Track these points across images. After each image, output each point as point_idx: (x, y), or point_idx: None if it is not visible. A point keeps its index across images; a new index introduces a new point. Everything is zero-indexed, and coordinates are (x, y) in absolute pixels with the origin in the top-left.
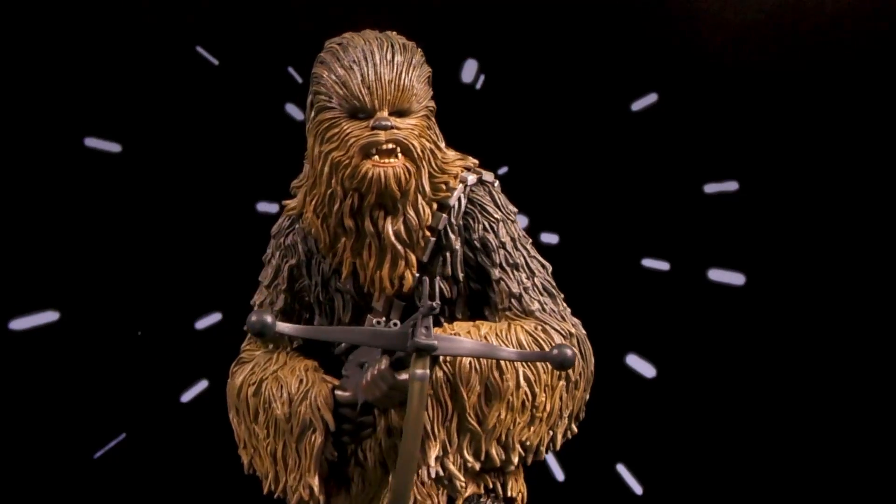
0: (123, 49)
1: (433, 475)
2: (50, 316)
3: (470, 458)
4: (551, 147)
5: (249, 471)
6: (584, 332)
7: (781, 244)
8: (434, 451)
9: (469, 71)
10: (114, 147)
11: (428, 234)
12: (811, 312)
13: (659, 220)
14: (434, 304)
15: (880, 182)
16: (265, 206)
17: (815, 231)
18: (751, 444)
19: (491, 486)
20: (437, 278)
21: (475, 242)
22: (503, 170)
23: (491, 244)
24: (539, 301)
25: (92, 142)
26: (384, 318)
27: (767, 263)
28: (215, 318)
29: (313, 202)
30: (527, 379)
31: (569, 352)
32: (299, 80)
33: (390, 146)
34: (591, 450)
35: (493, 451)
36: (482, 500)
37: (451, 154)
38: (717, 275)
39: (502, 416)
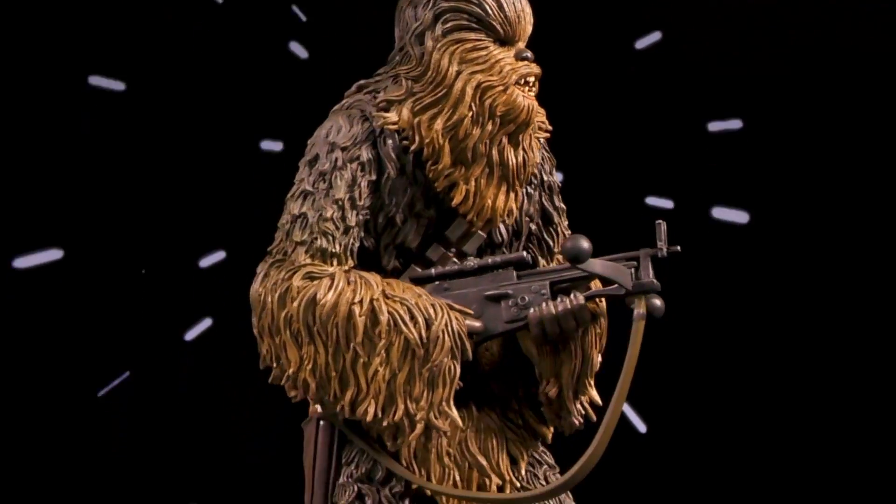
0: None
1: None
2: (54, 254)
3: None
4: (554, 85)
5: (316, 397)
6: None
7: (785, 182)
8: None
9: None
10: (118, 86)
11: (536, 171)
12: (815, 250)
13: (663, 158)
14: (676, 248)
15: (886, 121)
16: (269, 145)
17: (819, 169)
18: (753, 382)
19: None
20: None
21: (545, 185)
22: None
23: (554, 187)
24: None
25: (96, 80)
26: (453, 249)
27: (771, 202)
28: (219, 256)
29: (441, 121)
30: None
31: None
32: (303, 18)
33: (532, 79)
34: (597, 388)
35: None
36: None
37: None
38: (720, 213)
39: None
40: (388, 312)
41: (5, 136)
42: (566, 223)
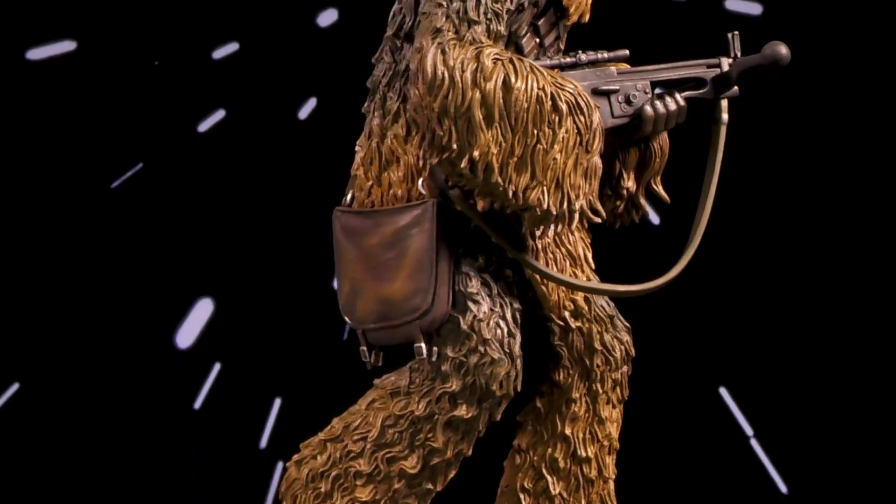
0: None
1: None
2: (67, 45)
3: None
4: None
5: (489, 182)
6: None
7: None
8: None
9: None
10: None
11: None
12: (827, 42)
13: None
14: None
15: None
16: None
17: None
18: (768, 181)
19: None
20: None
21: None
22: None
23: None
24: None
25: None
26: (537, 39)
27: None
28: (232, 48)
29: None
30: None
31: None
32: None
33: None
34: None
35: None
36: None
37: None
38: (734, 5)
39: None
40: (565, 101)
41: None
42: None
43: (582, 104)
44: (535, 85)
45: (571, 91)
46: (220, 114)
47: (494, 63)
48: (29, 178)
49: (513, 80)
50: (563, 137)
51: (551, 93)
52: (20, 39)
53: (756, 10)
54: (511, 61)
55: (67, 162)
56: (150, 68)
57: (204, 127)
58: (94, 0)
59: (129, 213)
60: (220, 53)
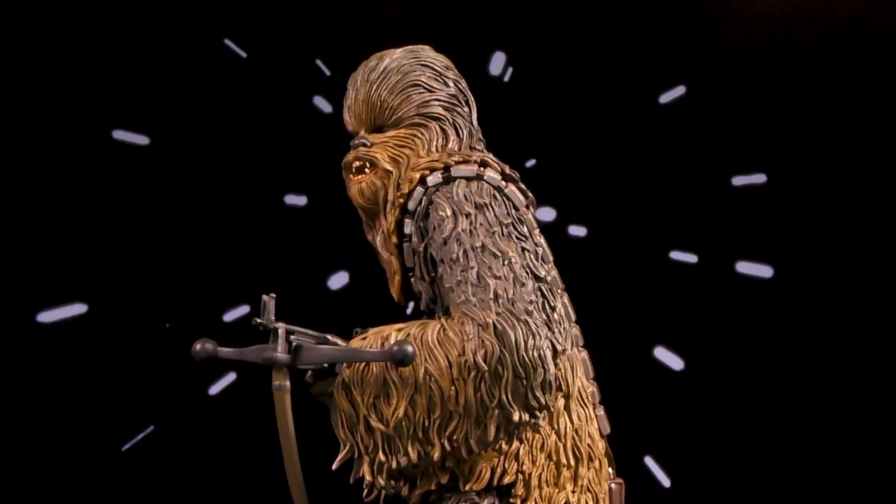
0: (152, 41)
1: (352, 480)
2: (78, 308)
3: (383, 458)
4: (579, 139)
5: None
6: (517, 318)
7: (809, 237)
8: (341, 455)
9: (497, 64)
10: (142, 140)
11: (395, 239)
12: (839, 306)
13: (687, 212)
14: (269, 323)
15: None
16: (293, 199)
17: (843, 224)
18: (777, 438)
19: (445, 480)
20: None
21: (429, 242)
22: (531, 162)
23: (436, 242)
24: (466, 294)
25: (120, 134)
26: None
27: (795, 256)
28: (243, 310)
29: None
30: (430, 374)
31: (409, 349)
32: (327, 72)
33: (357, 164)
34: (619, 442)
35: (411, 449)
36: (443, 494)
37: (437, 155)
38: (745, 267)
39: (410, 414)
40: None
41: (31, 189)
42: (462, 268)
43: None
44: None
45: None
46: (230, 377)
47: None
48: (40, 442)
49: None
50: None
51: None
52: (30, 302)
53: (767, 273)
54: None
55: (78, 425)
56: (160, 331)
57: (215, 390)
58: (104, 263)
59: (140, 477)
60: (230, 316)
